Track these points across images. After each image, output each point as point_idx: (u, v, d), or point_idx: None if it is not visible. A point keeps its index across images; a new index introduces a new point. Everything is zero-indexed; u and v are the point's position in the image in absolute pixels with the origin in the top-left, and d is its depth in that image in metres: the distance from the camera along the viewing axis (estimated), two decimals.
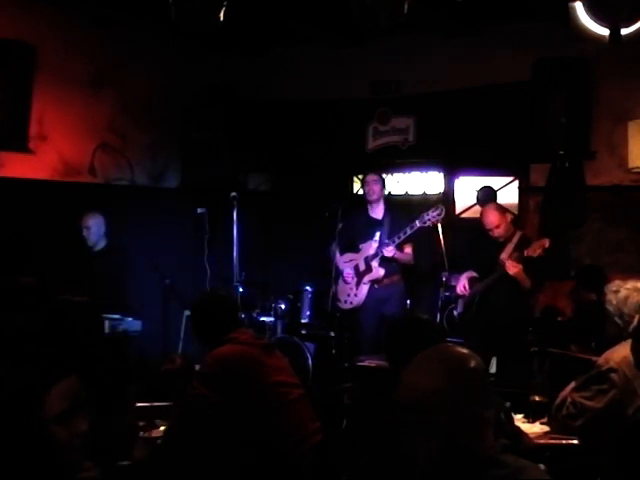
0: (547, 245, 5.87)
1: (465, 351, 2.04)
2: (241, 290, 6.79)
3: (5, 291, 4.32)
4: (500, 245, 6.29)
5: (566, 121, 6.58)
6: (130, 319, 6.38)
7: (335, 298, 6.83)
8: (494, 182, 7.61)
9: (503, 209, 6.54)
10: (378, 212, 6.81)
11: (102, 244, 6.80)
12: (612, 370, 3.41)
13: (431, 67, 7.69)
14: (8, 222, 6.54)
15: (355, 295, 6.79)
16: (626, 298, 3.63)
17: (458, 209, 7.91)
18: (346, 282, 6.83)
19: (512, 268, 6.05)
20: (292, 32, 7.77)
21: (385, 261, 6.65)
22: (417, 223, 6.42)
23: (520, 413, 3.85)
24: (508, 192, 7.66)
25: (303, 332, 7.01)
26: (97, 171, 7.54)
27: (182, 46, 8.07)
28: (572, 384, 3.64)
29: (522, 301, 6.31)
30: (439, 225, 6.54)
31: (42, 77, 7.04)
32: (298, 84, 8.27)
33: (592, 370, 3.53)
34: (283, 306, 7.14)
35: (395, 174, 8.28)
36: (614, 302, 3.66)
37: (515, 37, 7.15)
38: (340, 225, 6.82)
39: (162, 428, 3.73)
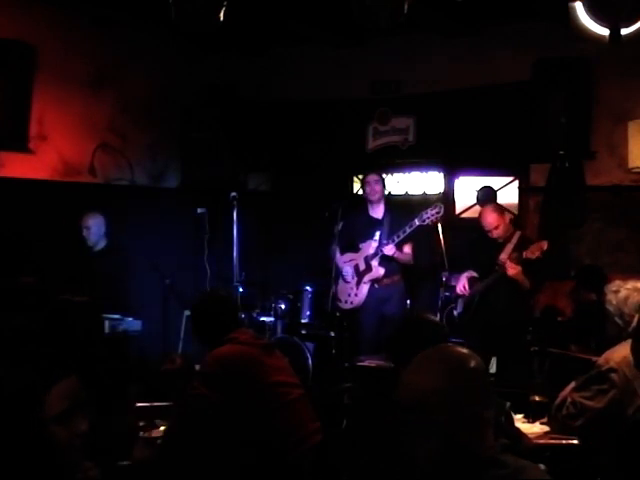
0: (545, 247, 5.87)
1: (465, 351, 2.04)
2: (241, 290, 6.79)
3: (5, 291, 4.32)
4: (499, 246, 6.28)
5: (566, 121, 6.58)
6: (130, 319, 6.38)
7: (335, 298, 6.83)
8: (494, 182, 7.62)
9: (502, 210, 6.53)
10: (378, 212, 6.81)
11: (102, 244, 6.80)
12: (612, 370, 3.41)
13: (431, 67, 7.69)
14: (8, 222, 6.54)
15: (355, 295, 6.78)
16: (626, 298, 3.63)
17: (458, 209, 7.91)
18: (346, 281, 6.83)
19: (511, 269, 6.05)
20: (292, 32, 7.77)
21: (385, 261, 6.65)
22: (416, 222, 6.42)
23: (520, 413, 3.85)
24: (508, 192, 7.67)
25: (303, 332, 7.01)
26: (97, 171, 7.54)
27: (182, 46, 8.07)
28: (572, 384, 3.64)
29: (522, 301, 6.31)
30: (439, 225, 6.53)
31: (42, 77, 7.04)
32: (298, 84, 8.27)
33: (592, 370, 3.53)
34: (283, 306, 7.15)
35: (395, 174, 8.28)
36: (614, 302, 3.66)
37: (515, 37, 7.15)
38: (340, 225, 6.82)
39: (162, 428, 3.73)
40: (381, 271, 6.67)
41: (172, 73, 8.19)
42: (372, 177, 6.80)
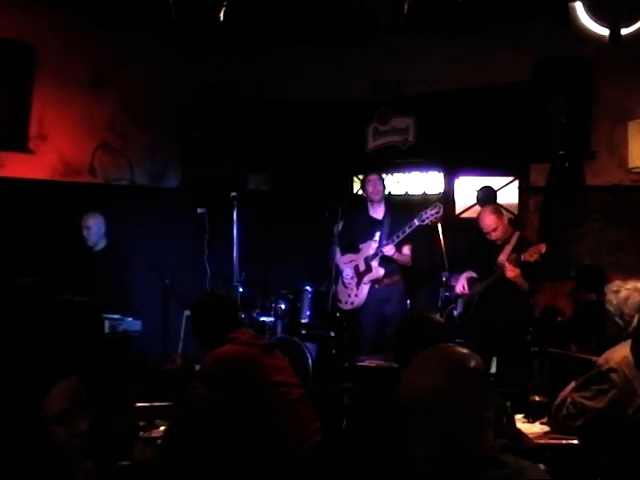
0: (544, 250, 5.87)
1: (465, 351, 2.04)
2: (241, 290, 6.78)
3: (5, 291, 4.31)
4: (498, 246, 6.29)
5: (566, 121, 6.58)
6: (130, 319, 6.38)
7: (335, 299, 6.83)
8: (494, 182, 7.62)
9: (500, 211, 6.52)
10: (379, 212, 6.81)
11: (102, 244, 6.80)
12: (612, 370, 3.41)
13: (431, 67, 7.69)
14: (8, 222, 6.54)
15: (355, 295, 6.78)
16: (626, 298, 3.63)
17: (458, 209, 7.91)
18: (346, 283, 6.83)
19: (510, 272, 6.05)
20: (292, 32, 7.77)
21: (385, 261, 6.65)
22: (415, 222, 6.42)
23: (520, 413, 3.85)
24: (508, 192, 7.67)
25: (303, 332, 7.00)
26: (97, 171, 7.54)
27: (182, 46, 8.07)
28: (572, 384, 3.64)
29: (521, 302, 6.31)
30: (439, 225, 6.54)
31: (42, 77, 7.04)
32: (298, 84, 8.27)
33: (592, 370, 3.53)
34: (283, 306, 7.14)
35: (395, 174, 8.28)
36: (614, 302, 3.66)
37: (515, 37, 7.15)
38: (340, 225, 6.82)
39: (162, 428, 3.73)
40: (381, 272, 6.67)
41: (172, 73, 8.19)
42: (374, 177, 6.81)
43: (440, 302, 6.59)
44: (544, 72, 6.74)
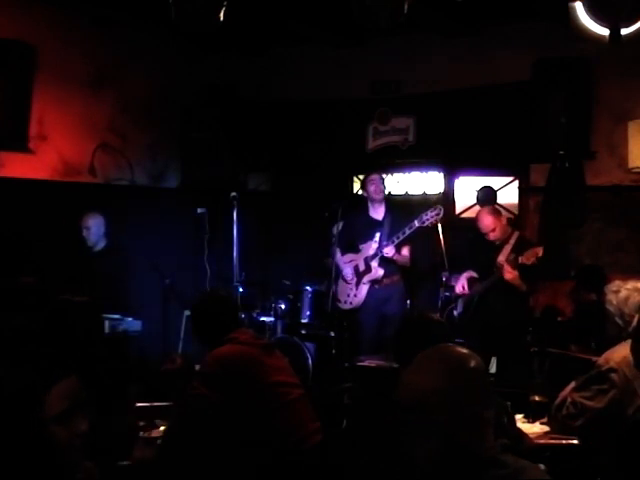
0: (541, 254, 5.89)
1: (465, 351, 2.04)
2: (241, 290, 6.78)
3: (5, 291, 4.31)
4: (498, 247, 6.29)
5: (566, 121, 6.58)
6: (130, 319, 6.38)
7: (335, 298, 6.83)
8: (494, 182, 7.61)
9: (498, 212, 6.53)
10: (379, 212, 6.81)
11: (102, 244, 6.80)
12: (612, 370, 3.41)
13: (431, 67, 7.69)
14: (8, 222, 6.54)
15: (355, 295, 6.79)
16: (626, 298, 3.63)
17: (458, 209, 7.91)
18: (346, 282, 6.83)
19: (508, 274, 6.06)
20: (292, 32, 7.77)
21: (384, 261, 6.65)
22: (416, 223, 6.43)
23: (520, 413, 3.85)
24: (508, 192, 7.66)
25: (303, 332, 7.00)
26: (97, 171, 7.54)
27: (182, 46, 8.07)
28: (572, 384, 3.64)
29: (520, 303, 6.32)
30: (439, 225, 6.54)
31: (42, 77, 7.04)
32: (298, 84, 8.27)
33: (592, 370, 3.53)
34: (283, 306, 7.14)
35: (395, 174, 8.28)
36: (614, 302, 3.66)
37: (515, 37, 7.15)
38: (339, 225, 6.82)
39: (162, 428, 3.73)
40: (380, 272, 6.67)
41: (172, 73, 8.19)
42: (376, 177, 6.82)
43: (440, 302, 6.59)
44: (544, 72, 6.74)
